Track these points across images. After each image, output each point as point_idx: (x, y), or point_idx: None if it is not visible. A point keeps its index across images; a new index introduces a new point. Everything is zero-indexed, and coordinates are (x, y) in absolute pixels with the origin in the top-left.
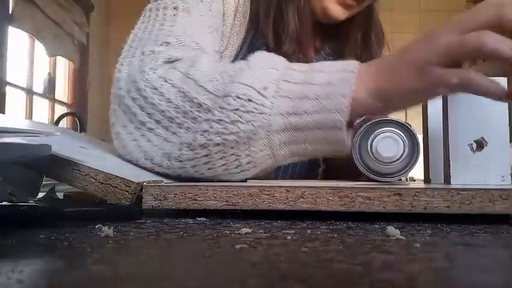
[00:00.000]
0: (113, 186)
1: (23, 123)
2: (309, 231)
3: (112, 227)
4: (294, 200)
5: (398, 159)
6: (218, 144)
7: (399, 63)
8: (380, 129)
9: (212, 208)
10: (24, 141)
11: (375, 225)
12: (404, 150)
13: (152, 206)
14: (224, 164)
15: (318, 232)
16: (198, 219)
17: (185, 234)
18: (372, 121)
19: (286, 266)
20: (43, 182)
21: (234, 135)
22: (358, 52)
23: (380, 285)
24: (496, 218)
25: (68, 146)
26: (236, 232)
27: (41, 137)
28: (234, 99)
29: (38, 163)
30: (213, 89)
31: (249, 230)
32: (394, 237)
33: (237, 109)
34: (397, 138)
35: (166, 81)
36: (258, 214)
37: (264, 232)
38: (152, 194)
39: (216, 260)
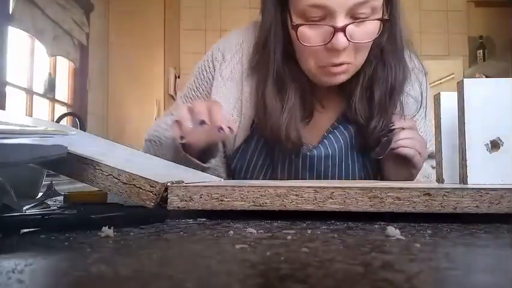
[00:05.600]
0: (137, 187)
1: (39, 122)
2: (309, 231)
3: (112, 227)
4: (323, 200)
5: None
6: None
7: None
8: None
9: (239, 209)
10: (41, 143)
11: (375, 225)
12: None
13: (178, 207)
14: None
15: (318, 232)
16: (198, 219)
17: (185, 234)
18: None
19: (286, 266)
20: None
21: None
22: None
23: (380, 285)
24: (496, 219)
25: (86, 145)
26: (236, 232)
27: (57, 137)
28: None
29: (56, 163)
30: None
31: (249, 230)
32: (394, 237)
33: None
34: None
35: None
36: (258, 214)
37: (264, 232)
38: (177, 195)
39: (216, 260)
